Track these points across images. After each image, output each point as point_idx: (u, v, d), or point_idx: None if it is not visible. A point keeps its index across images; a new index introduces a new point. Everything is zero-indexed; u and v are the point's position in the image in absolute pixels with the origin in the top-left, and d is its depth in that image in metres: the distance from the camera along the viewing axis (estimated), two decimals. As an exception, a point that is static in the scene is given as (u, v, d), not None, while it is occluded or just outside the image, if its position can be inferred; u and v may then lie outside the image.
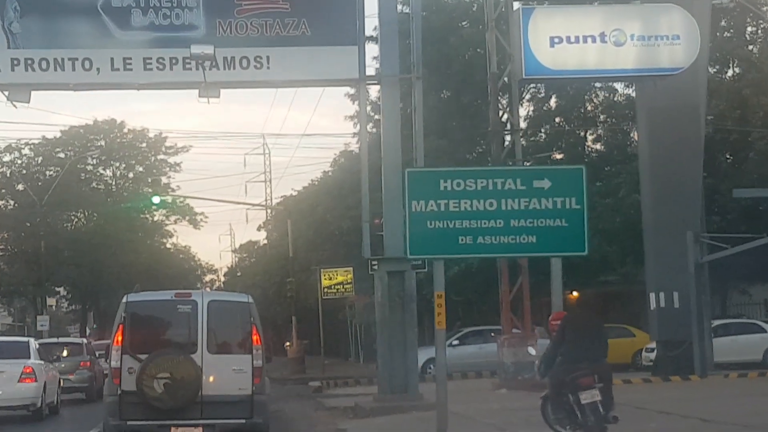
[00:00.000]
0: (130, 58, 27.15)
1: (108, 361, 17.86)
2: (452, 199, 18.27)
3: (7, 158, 75.48)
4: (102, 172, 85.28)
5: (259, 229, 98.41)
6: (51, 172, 75.88)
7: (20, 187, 73.95)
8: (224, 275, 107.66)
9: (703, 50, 32.09)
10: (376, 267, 27.32)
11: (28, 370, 25.87)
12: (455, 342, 43.06)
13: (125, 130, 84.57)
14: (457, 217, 18.26)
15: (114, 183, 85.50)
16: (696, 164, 33.87)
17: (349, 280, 49.94)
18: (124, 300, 17.67)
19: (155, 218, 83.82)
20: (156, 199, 53.13)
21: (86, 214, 79.99)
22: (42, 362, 27.25)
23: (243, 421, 17.11)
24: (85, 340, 40.70)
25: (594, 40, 31.04)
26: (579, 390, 16.37)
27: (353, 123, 52.16)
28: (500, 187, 18.29)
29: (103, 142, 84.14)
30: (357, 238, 51.17)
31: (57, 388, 28.58)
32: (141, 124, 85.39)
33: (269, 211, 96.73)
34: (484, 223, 18.27)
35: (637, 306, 44.51)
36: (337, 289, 50.13)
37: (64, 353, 33.11)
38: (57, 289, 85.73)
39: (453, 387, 24.18)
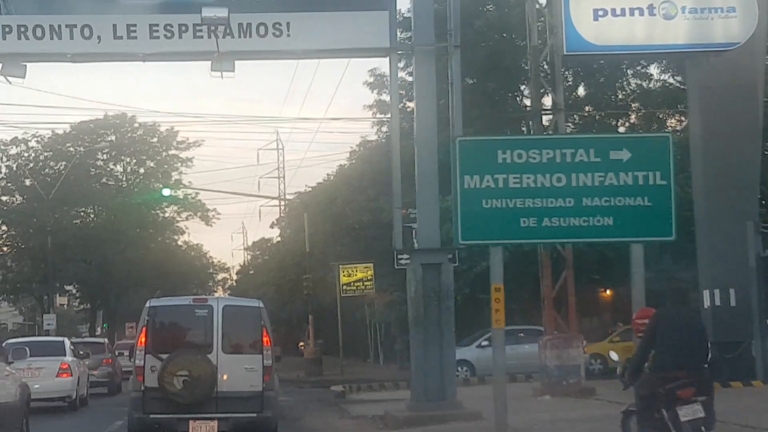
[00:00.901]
0: (135, 25, 23.94)
1: (132, 360, 19.30)
2: (512, 174, 15.22)
3: (13, 151, 72.17)
4: (112, 167, 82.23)
5: (272, 226, 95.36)
6: (59, 167, 72.57)
7: (27, 182, 70.72)
8: (236, 273, 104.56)
9: (761, 24, 28.74)
10: (407, 260, 23.96)
11: (64, 366, 28.80)
12: (484, 343, 39.88)
13: (136, 125, 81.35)
14: (519, 194, 15.23)
15: (124, 178, 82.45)
16: (754, 148, 30.59)
17: (369, 277, 46.71)
18: (147, 305, 18.85)
19: (166, 214, 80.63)
20: (166, 192, 49.73)
21: (95, 210, 76.84)
22: (76, 359, 30.16)
23: (254, 415, 18.11)
24: (106, 340, 44.46)
25: (641, 13, 27.89)
26: (677, 404, 13.15)
27: (372, 112, 49.13)
28: (570, 159, 15.17)
29: (113, 137, 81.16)
30: (378, 232, 48.24)
31: (87, 382, 31.73)
32: (152, 119, 79.50)
33: (283, 206, 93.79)
34: (551, 202, 15.15)
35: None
36: (357, 287, 46.90)
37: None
38: (67, 287, 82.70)
39: (488, 392, 21.02)
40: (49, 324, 58.25)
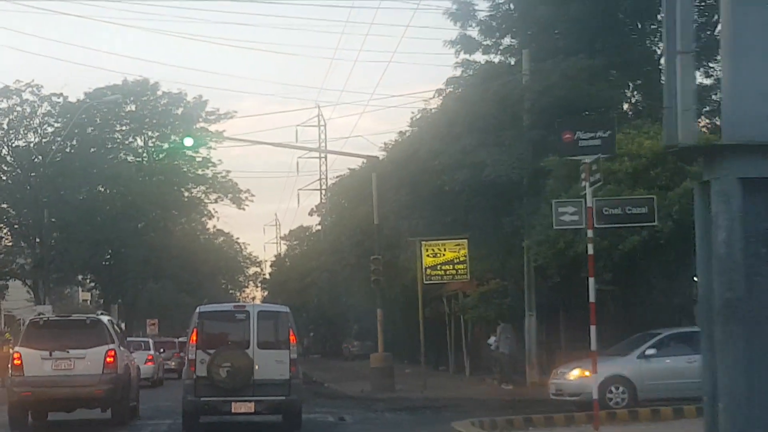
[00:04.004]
0: None
1: (186, 354, 22.48)
2: None
3: (4, 105, 58.12)
4: (132, 140, 68.94)
5: (311, 213, 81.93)
6: (61, 125, 58.62)
7: (20, 142, 56.98)
8: (270, 266, 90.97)
9: None
10: (714, 175, 10.23)
11: (150, 357, 41.36)
12: (650, 351, 26.25)
13: (159, 93, 67.92)
14: None
15: (145, 154, 69.07)
16: None
17: (461, 258, 33.05)
18: (197, 311, 22.36)
19: (192, 192, 66.93)
20: (188, 141, 35.66)
21: (109, 188, 63.14)
22: (156, 353, 43.51)
23: (283, 398, 21.27)
24: (151, 340, 47.26)
25: None
26: None
27: (454, 50, 35.51)
28: None
29: (133, 107, 67.93)
30: (475, 199, 34.65)
31: (163, 369, 44.48)
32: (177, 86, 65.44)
33: (324, 192, 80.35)
34: None
35: None
36: (445, 271, 33.19)
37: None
38: (80, 277, 69.23)
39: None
40: (40, 315, 44.34)
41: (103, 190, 63.91)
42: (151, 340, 46.33)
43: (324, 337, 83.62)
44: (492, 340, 37.69)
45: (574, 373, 26.12)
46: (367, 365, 58.79)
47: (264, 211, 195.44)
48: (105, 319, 23.81)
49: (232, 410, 21.08)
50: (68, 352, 22.25)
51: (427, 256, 33.24)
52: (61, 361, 22.26)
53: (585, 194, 19.44)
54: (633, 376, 25.95)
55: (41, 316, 27.36)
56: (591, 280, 20.68)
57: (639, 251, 28.84)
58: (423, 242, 33.27)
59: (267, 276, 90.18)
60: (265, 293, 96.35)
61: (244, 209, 70.02)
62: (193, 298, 77.39)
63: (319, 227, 79.84)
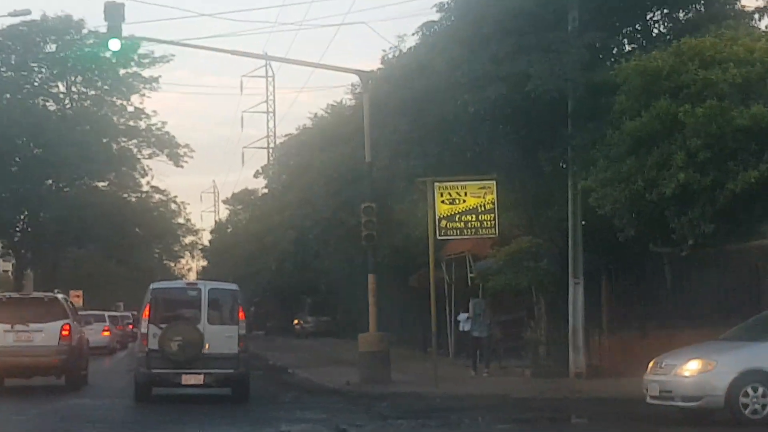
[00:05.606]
0: None
1: (139, 328, 23.64)
2: None
3: None
4: (53, 85, 59.11)
5: (256, 175, 72.69)
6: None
7: None
8: (211, 232, 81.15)
9: None
10: None
11: (106, 328, 45.43)
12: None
13: (84, 32, 57.88)
14: None
15: (68, 101, 59.18)
16: None
17: (488, 206, 23.93)
18: (150, 287, 22.69)
19: (122, 144, 57.14)
20: (114, 44, 24.86)
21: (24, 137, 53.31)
22: (112, 324, 47.43)
23: (231, 371, 21.65)
24: (107, 313, 49.53)
25: None
26: None
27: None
28: None
29: (54, 46, 57.93)
30: (509, 121, 24.93)
31: (115, 339, 48.39)
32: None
33: (270, 152, 71.12)
34: None
35: None
36: (466, 223, 24.04)
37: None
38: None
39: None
40: None
41: (20, 142, 54.23)
42: (107, 314, 48.82)
43: (269, 312, 74.14)
44: (462, 317, 29.01)
45: (691, 366, 17.19)
46: (328, 345, 49.91)
47: (203, 183, 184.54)
48: (60, 297, 26.27)
49: (183, 382, 21.74)
50: (28, 325, 24.31)
51: (442, 202, 24.06)
52: (21, 334, 24.34)
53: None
54: (775, 369, 17.04)
55: (4, 294, 28.29)
56: None
57: (757, 192, 20.10)
58: (437, 183, 24.05)
59: (207, 244, 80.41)
60: (205, 263, 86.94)
61: (182, 166, 60.32)
62: (123, 267, 67.81)
63: (266, 190, 70.74)
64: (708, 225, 20.44)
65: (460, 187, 24.14)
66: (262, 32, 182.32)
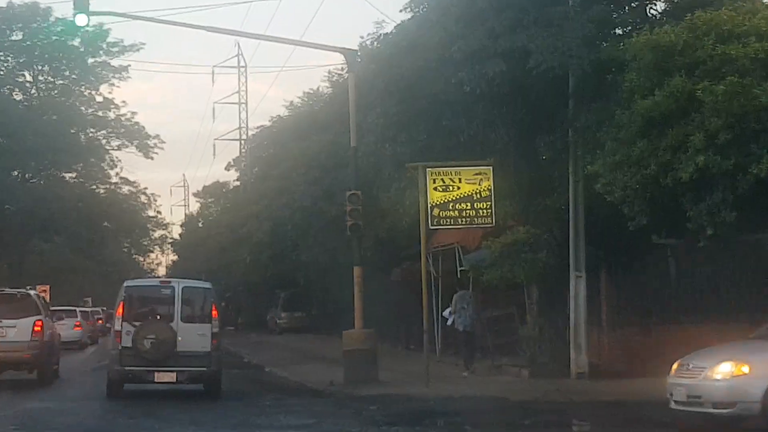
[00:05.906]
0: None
1: (112, 326, 23.07)
2: None
3: None
4: (19, 74, 57.13)
5: (228, 168, 70.69)
6: None
7: None
8: (181, 225, 78.96)
9: None
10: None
11: (78, 323, 45.99)
12: None
13: (52, 20, 55.80)
14: None
15: (34, 90, 57.11)
16: None
17: (484, 193, 22.18)
18: (124, 285, 22.83)
19: (90, 135, 55.13)
20: (81, 20, 22.67)
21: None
22: (83, 320, 47.66)
23: (204, 369, 21.74)
24: (78, 309, 49.67)
25: None
26: None
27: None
28: None
29: (20, 34, 55.95)
30: (505, 102, 22.69)
31: (86, 334, 48.60)
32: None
33: (242, 143, 69.01)
34: None
35: None
36: (460, 211, 22.26)
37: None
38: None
39: None
40: None
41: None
42: (78, 309, 49.33)
43: (241, 307, 72.03)
44: (447, 312, 27.35)
45: (724, 369, 15.38)
46: (303, 341, 48.03)
47: (172, 178, 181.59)
48: (33, 293, 26.69)
49: (155, 379, 21.77)
50: (1, 321, 24.76)
51: (435, 189, 22.24)
52: None
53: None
54: None
55: None
56: None
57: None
58: (429, 169, 22.22)
59: (177, 237, 78.16)
60: (175, 258, 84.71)
61: (152, 158, 58.43)
62: (91, 261, 65.69)
63: (237, 183, 68.70)
64: (729, 213, 18.64)
65: (454, 173, 22.35)
66: (237, 15, 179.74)
